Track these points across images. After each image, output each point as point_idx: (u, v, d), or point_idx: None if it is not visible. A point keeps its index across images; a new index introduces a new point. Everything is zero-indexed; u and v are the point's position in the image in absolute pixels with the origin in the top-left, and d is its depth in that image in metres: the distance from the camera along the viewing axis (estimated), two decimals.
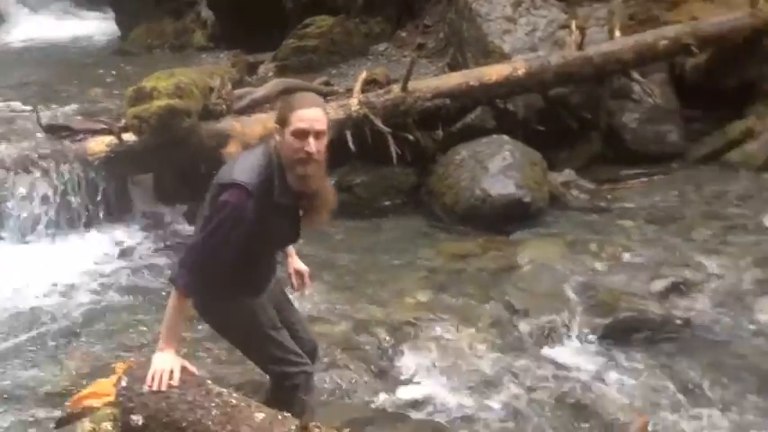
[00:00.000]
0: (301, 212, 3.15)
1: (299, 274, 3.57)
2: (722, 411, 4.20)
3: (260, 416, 2.62)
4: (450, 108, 7.15)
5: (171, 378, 2.81)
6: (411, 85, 6.94)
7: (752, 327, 5.11)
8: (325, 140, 2.98)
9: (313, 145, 2.90)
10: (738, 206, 6.88)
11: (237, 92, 7.04)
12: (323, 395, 4.26)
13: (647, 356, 4.85)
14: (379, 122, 6.74)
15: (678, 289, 5.54)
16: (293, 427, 2.56)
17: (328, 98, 7.20)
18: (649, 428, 3.82)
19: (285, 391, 3.24)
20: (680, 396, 4.41)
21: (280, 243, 3.31)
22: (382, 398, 4.47)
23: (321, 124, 2.95)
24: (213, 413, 2.62)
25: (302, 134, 2.90)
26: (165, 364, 2.85)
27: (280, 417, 2.64)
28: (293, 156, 2.93)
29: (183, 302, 2.97)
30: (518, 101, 7.55)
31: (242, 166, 2.93)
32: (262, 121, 3.12)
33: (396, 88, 6.93)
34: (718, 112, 8.07)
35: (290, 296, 3.68)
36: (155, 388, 2.78)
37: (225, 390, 2.70)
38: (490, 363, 4.81)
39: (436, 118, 7.19)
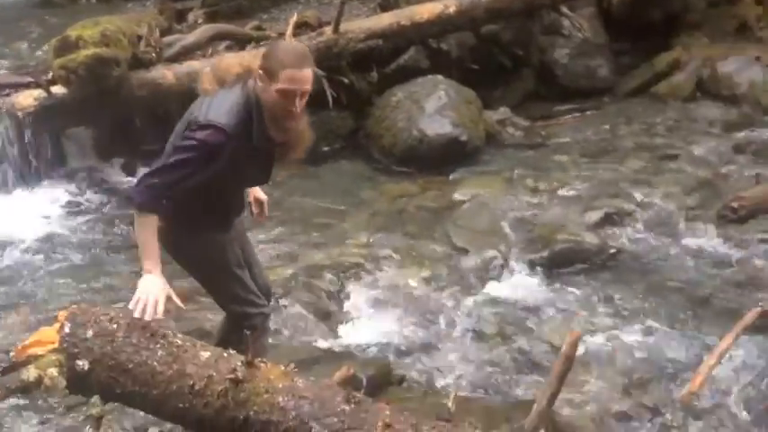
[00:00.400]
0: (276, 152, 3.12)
1: (258, 201, 3.52)
2: (655, 330, 4.39)
3: (205, 354, 2.64)
4: (383, 49, 7.12)
5: (155, 308, 2.81)
6: (343, 26, 6.87)
7: (681, 251, 5.33)
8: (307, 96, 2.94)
9: (299, 105, 2.87)
10: (667, 137, 7.08)
11: (166, 39, 6.87)
12: (269, 338, 4.31)
13: (583, 285, 5.02)
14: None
15: (612, 219, 5.71)
16: (239, 363, 2.59)
17: (261, 43, 7.11)
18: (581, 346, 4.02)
19: (240, 332, 3.22)
20: (615, 319, 4.60)
21: (250, 183, 3.30)
22: (329, 339, 4.54)
23: (309, 85, 2.88)
24: (159, 354, 2.62)
25: (290, 95, 2.85)
26: (150, 290, 2.84)
27: (225, 354, 2.67)
28: (277, 111, 2.90)
29: (146, 220, 2.93)
30: (451, 40, 7.56)
31: (220, 107, 2.87)
32: (239, 57, 3.00)
33: (327, 30, 6.87)
34: (646, 44, 8.22)
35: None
36: (138, 316, 2.76)
37: (170, 331, 2.70)
38: (434, 299, 4.91)
39: (370, 60, 7.15)
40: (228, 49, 7.35)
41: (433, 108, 6.84)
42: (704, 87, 7.81)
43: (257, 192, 3.50)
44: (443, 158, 6.69)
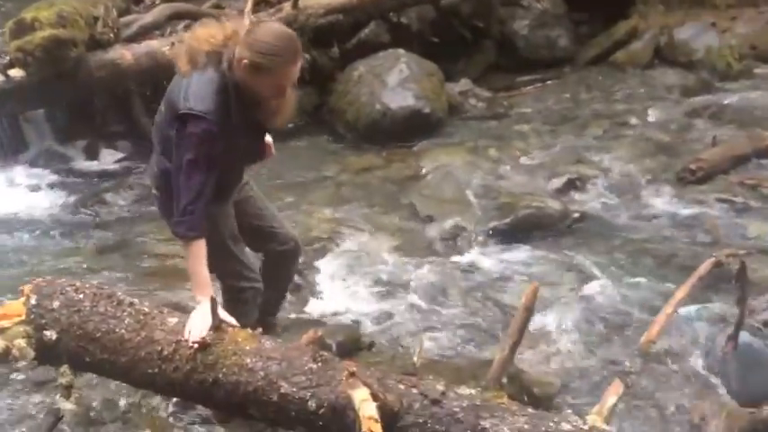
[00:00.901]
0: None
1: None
2: (617, 289, 4.47)
3: (173, 320, 2.68)
4: (343, 24, 7.13)
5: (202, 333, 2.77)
6: (302, 2, 6.87)
7: (642, 213, 5.43)
8: None
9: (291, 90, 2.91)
10: (627, 103, 7.19)
11: (124, 19, 6.81)
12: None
13: (547, 250, 5.08)
14: None
15: (574, 185, 5.81)
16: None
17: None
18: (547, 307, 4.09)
19: (233, 304, 3.29)
20: (579, 280, 4.67)
21: (245, 160, 3.24)
22: (297, 311, 4.56)
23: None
24: (126, 321, 2.66)
25: (283, 87, 2.88)
26: (196, 323, 2.78)
27: None
28: (268, 97, 2.91)
29: (195, 247, 2.90)
30: (411, 13, 7.60)
31: (197, 93, 2.84)
32: (206, 35, 2.92)
33: (287, 6, 6.86)
34: (604, 13, 8.32)
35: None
36: (189, 342, 2.73)
37: (136, 300, 2.73)
38: (400, 269, 4.95)
39: (331, 35, 7.16)
40: (187, 28, 7.32)
41: (395, 81, 6.87)
42: (662, 54, 7.93)
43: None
44: (407, 131, 6.73)
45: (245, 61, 2.80)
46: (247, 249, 3.44)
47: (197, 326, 2.72)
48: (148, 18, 7.02)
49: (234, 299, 3.34)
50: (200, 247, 2.91)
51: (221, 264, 3.29)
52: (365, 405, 1.86)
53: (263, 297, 3.55)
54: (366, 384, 2.26)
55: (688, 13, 8.25)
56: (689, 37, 7.87)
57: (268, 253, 3.57)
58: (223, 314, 2.85)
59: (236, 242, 3.30)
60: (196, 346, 2.65)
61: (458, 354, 3.97)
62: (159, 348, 2.67)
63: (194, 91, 2.85)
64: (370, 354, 4.01)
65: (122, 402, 3.44)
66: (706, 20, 8.02)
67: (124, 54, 6.45)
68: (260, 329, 2.80)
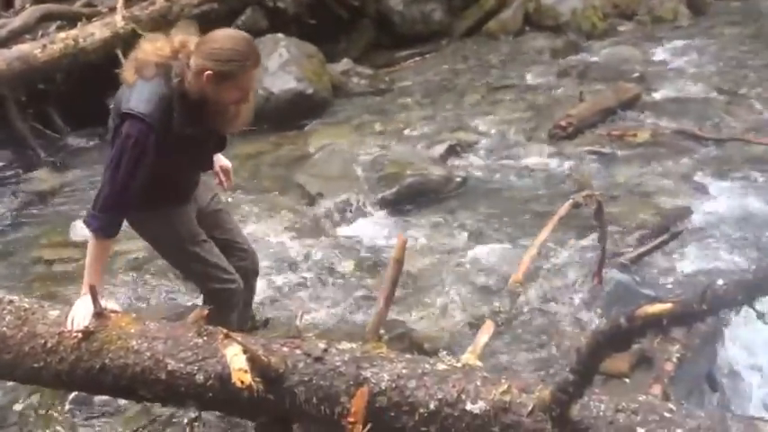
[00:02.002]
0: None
1: (224, 170, 3.47)
2: (499, 244, 4.70)
3: (54, 313, 2.72)
4: (219, 12, 7.14)
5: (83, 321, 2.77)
6: None
7: (519, 171, 5.69)
8: None
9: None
10: (501, 69, 7.48)
11: None
12: (132, 304, 4.37)
13: (433, 214, 5.27)
14: None
15: (455, 151, 6.02)
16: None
17: (92, 19, 6.99)
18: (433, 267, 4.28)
19: (218, 306, 3.26)
20: (464, 240, 4.88)
21: (192, 169, 3.19)
22: (194, 296, 4.61)
23: None
24: (7, 319, 2.68)
25: (248, 91, 2.86)
26: (79, 311, 2.78)
27: None
28: (229, 105, 2.88)
29: (101, 245, 2.89)
30: None
31: (140, 97, 2.81)
32: (154, 47, 2.88)
33: None
34: None
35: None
36: (67, 330, 2.73)
37: (16, 297, 2.75)
38: (293, 247, 5.04)
39: (207, 24, 7.12)
40: (60, 29, 7.20)
41: (276, 65, 6.94)
42: (531, 20, 8.27)
43: (221, 160, 3.45)
44: (293, 113, 6.81)
45: (209, 72, 2.76)
46: (216, 250, 3.38)
47: (79, 314, 2.75)
48: (17, 22, 6.90)
49: (209, 302, 3.32)
50: (104, 249, 2.92)
51: (184, 266, 3.34)
52: (235, 359, 1.97)
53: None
54: (247, 348, 2.37)
55: None
56: (555, 1, 8.23)
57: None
58: (107, 302, 2.89)
59: (197, 244, 3.25)
60: (80, 335, 2.70)
61: (348, 319, 4.11)
62: (43, 342, 2.70)
63: (137, 95, 2.82)
64: (265, 331, 4.10)
65: (18, 407, 3.47)
66: None
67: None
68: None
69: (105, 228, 2.89)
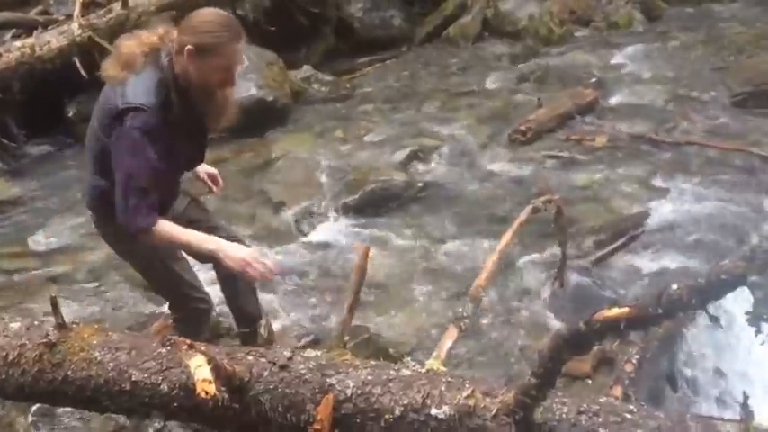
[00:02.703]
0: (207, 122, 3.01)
1: (210, 176, 3.40)
2: (460, 248, 4.76)
3: (15, 325, 2.69)
4: (179, 19, 7.08)
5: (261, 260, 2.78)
6: (132, 0, 6.79)
7: (480, 176, 5.75)
8: None
9: (235, 75, 2.82)
10: (461, 75, 7.55)
11: None
12: (94, 314, 4.34)
13: (396, 219, 5.31)
14: (106, 44, 6.55)
15: (417, 156, 6.06)
16: (51, 328, 2.66)
17: (49, 27, 6.90)
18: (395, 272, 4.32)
19: (180, 324, 3.29)
20: (426, 245, 4.92)
21: (185, 164, 3.11)
22: (156, 305, 4.58)
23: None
24: None
25: (231, 68, 2.79)
26: (242, 251, 2.79)
27: (36, 323, 2.73)
28: (213, 84, 2.81)
29: (163, 231, 2.82)
30: (246, 4, 7.64)
31: (135, 89, 2.75)
32: (138, 40, 2.83)
33: (117, 6, 6.76)
34: None
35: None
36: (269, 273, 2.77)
37: None
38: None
39: None
40: (15, 37, 7.10)
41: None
42: (490, 26, 8.36)
43: (204, 167, 3.37)
44: (253, 120, 6.74)
45: (189, 47, 2.72)
46: (196, 267, 3.35)
47: (246, 251, 2.80)
48: None
49: (179, 319, 3.32)
50: (167, 226, 2.83)
51: (158, 281, 3.29)
52: (199, 370, 1.97)
53: (233, 308, 3.53)
54: (211, 358, 2.37)
55: None
56: (513, 7, 8.32)
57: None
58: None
59: (175, 260, 3.22)
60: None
61: (312, 326, 4.12)
62: (4, 354, 2.67)
63: (132, 88, 2.76)
64: (229, 338, 4.10)
65: None
66: None
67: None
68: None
69: (146, 219, 2.80)
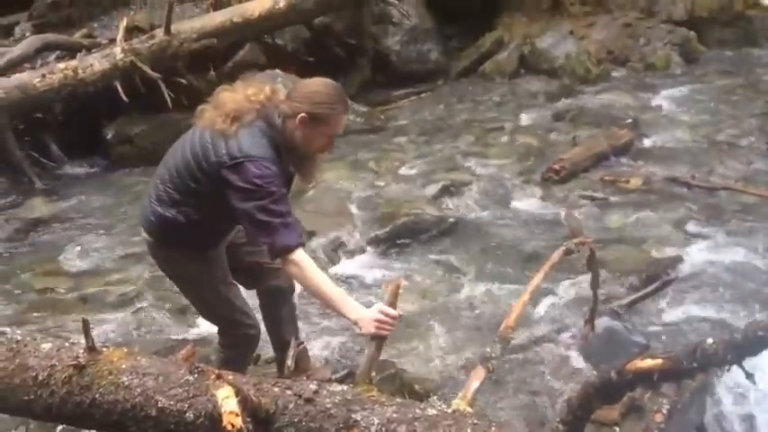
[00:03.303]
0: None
1: None
2: (490, 286, 4.72)
3: (47, 346, 2.71)
4: (218, 48, 7.22)
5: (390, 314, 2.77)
6: (175, 27, 6.92)
7: (511, 213, 5.74)
8: None
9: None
10: (496, 111, 7.57)
11: None
12: (122, 336, 4.37)
13: (425, 253, 5.30)
14: (147, 69, 6.70)
15: (449, 191, 6.07)
16: (81, 351, 2.68)
17: (92, 51, 7.06)
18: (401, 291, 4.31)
19: (228, 350, 3.33)
20: (455, 281, 4.90)
21: None
22: (184, 331, 4.61)
23: None
24: None
25: (335, 136, 2.96)
26: (372, 312, 2.79)
27: (67, 344, 2.74)
28: (315, 149, 2.96)
29: (310, 264, 2.88)
30: (285, 34, 7.75)
31: (250, 142, 2.87)
32: (244, 95, 2.96)
33: (159, 33, 6.89)
34: (471, 27, 8.71)
35: None
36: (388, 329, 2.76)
37: (8, 328, 2.75)
38: None
39: (206, 59, 7.25)
40: (59, 59, 7.26)
41: None
42: (526, 63, 8.39)
43: None
44: None
45: (303, 115, 2.86)
46: (242, 291, 3.39)
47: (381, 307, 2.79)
48: (16, 51, 6.96)
49: (228, 344, 3.36)
50: (312, 262, 2.91)
51: (210, 308, 3.32)
52: (227, 402, 1.97)
53: (273, 334, 3.56)
54: (238, 389, 2.37)
55: (548, 22, 8.74)
56: (550, 45, 8.35)
57: (265, 289, 3.50)
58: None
59: (228, 286, 3.28)
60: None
61: (340, 358, 4.11)
62: (34, 374, 2.68)
63: (246, 141, 2.87)
64: (257, 367, 4.10)
65: None
66: (564, 29, 8.50)
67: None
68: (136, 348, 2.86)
69: (297, 236, 2.88)
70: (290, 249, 2.85)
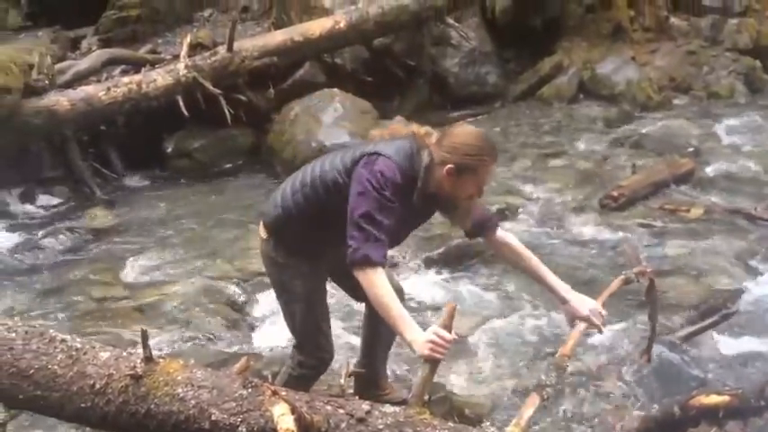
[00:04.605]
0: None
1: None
2: (544, 313, 4.66)
3: (105, 354, 2.75)
4: (278, 66, 7.31)
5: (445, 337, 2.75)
6: (237, 45, 7.04)
7: (567, 239, 5.67)
8: None
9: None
10: (553, 135, 7.51)
11: (59, 66, 6.93)
12: (177, 348, 4.41)
13: (476, 277, 5.25)
14: (209, 85, 6.81)
15: (504, 214, 6.00)
16: (138, 361, 2.71)
17: (156, 66, 7.21)
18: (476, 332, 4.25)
19: (297, 366, 3.35)
20: (507, 306, 4.84)
21: (395, 234, 3.09)
22: (237, 344, 4.64)
23: None
24: (59, 358, 2.72)
25: (483, 186, 2.95)
26: (427, 334, 2.76)
27: (125, 353, 2.78)
28: (464, 196, 2.94)
29: (382, 278, 2.84)
30: (345, 54, 7.82)
31: (392, 149, 2.91)
32: (409, 129, 3.03)
33: (222, 50, 7.02)
34: (530, 50, 8.67)
35: None
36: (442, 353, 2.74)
37: (69, 336, 2.80)
38: (337, 300, 4.99)
39: (267, 77, 7.35)
40: (124, 73, 7.44)
41: (330, 120, 7.07)
42: (585, 88, 8.32)
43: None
44: None
45: (451, 166, 2.85)
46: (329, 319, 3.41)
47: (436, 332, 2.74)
48: (84, 64, 7.14)
49: (300, 363, 3.35)
50: (385, 277, 2.86)
51: (298, 326, 3.30)
52: (283, 419, 1.97)
53: (366, 348, 3.60)
54: (293, 407, 2.37)
55: (609, 48, 8.66)
56: (610, 71, 8.27)
57: None
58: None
59: (319, 306, 3.29)
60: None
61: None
62: (92, 383, 2.73)
63: (388, 147, 2.91)
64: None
65: None
66: (626, 55, 8.41)
67: (60, 100, 6.53)
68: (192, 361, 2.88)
69: (383, 255, 2.85)
70: (371, 263, 2.83)
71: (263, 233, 3.23)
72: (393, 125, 3.07)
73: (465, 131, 2.98)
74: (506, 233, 3.32)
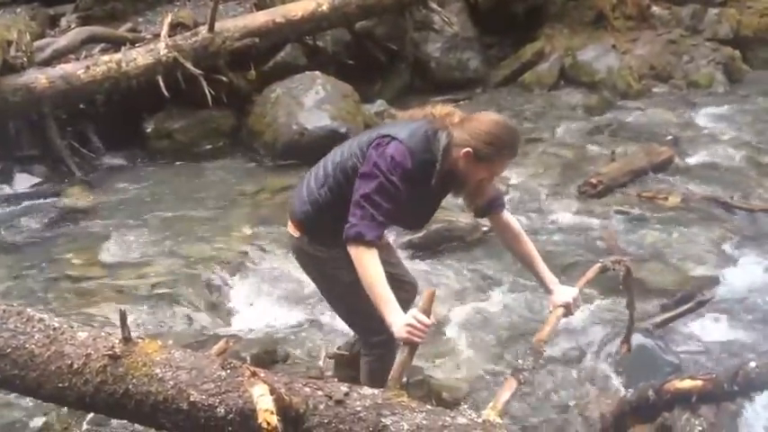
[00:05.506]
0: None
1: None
2: (521, 296, 4.70)
3: (83, 334, 2.75)
4: (260, 47, 7.27)
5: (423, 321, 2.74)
6: (218, 25, 6.98)
7: (546, 225, 5.70)
8: None
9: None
10: (534, 122, 7.52)
11: (38, 43, 6.84)
12: (155, 328, 4.40)
13: (457, 261, 5.28)
14: (189, 65, 6.76)
15: None
16: (116, 341, 2.70)
17: (136, 45, 7.14)
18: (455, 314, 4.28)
19: (366, 356, 3.30)
20: (486, 289, 4.89)
21: (408, 218, 3.19)
22: (215, 326, 4.64)
23: None
24: (36, 337, 2.71)
25: (495, 175, 2.97)
26: (406, 318, 2.76)
27: (103, 333, 2.78)
28: (475, 180, 2.94)
29: (372, 256, 2.83)
30: (327, 36, 7.78)
31: (406, 133, 2.89)
32: (426, 111, 3.01)
33: (203, 30, 6.96)
34: (512, 37, 8.68)
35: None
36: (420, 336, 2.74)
37: (46, 315, 2.79)
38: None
39: (248, 58, 7.29)
40: (104, 51, 7.36)
41: (312, 103, 7.04)
42: (566, 75, 8.34)
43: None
44: (325, 150, 6.78)
45: (469, 149, 2.85)
46: None
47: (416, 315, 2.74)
48: (62, 42, 7.05)
49: (367, 353, 3.31)
50: (377, 256, 2.85)
51: (349, 311, 3.27)
52: (262, 399, 1.98)
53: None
54: (272, 388, 2.38)
55: (591, 36, 8.68)
56: (591, 59, 8.29)
57: None
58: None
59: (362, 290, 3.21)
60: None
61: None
62: (69, 362, 2.72)
63: (403, 131, 2.90)
64: (285, 365, 4.11)
65: (33, 423, 3.50)
66: (607, 42, 8.44)
67: (38, 78, 6.46)
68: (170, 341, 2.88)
69: (378, 234, 2.86)
70: (363, 241, 2.84)
71: (293, 231, 3.18)
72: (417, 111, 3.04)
73: (492, 119, 2.95)
74: (511, 215, 3.31)
